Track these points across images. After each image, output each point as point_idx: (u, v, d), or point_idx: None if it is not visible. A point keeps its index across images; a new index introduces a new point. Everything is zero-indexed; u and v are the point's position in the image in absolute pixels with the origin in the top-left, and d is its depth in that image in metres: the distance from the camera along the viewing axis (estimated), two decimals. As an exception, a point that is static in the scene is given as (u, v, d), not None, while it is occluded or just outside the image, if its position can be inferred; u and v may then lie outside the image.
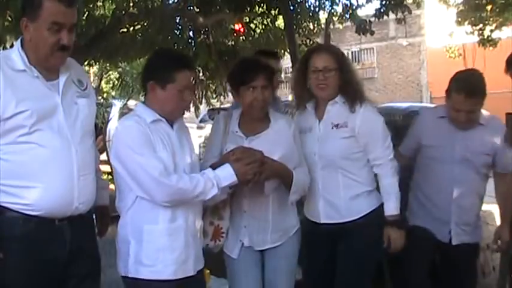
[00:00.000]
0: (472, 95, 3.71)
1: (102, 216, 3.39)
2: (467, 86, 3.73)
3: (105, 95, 25.80)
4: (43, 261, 2.86)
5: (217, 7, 10.88)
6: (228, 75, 3.82)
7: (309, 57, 3.80)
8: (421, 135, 4.04)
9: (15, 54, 2.85)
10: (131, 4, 11.51)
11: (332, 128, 3.67)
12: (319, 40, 12.72)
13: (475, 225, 4.00)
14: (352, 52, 28.74)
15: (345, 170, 3.66)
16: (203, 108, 17.20)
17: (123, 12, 11.28)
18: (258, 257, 3.61)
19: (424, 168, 4.01)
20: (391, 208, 3.64)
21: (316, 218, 3.71)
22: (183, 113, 3.31)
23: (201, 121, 18.35)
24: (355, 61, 29.36)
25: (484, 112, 3.91)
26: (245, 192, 3.50)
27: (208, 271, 4.49)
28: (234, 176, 3.13)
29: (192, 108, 15.63)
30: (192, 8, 11.14)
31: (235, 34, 13.18)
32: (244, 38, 13.42)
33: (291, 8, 10.86)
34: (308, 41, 12.22)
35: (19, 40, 2.90)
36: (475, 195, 3.95)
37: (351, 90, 3.70)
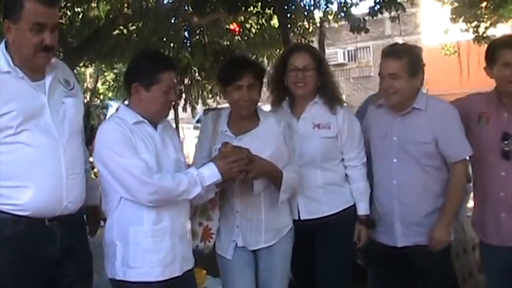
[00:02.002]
0: (388, 55, 3.60)
1: (93, 216, 3.38)
2: (388, 48, 3.70)
3: (101, 96, 25.87)
4: (34, 261, 2.84)
5: (212, 7, 10.89)
6: (217, 74, 3.81)
7: (288, 56, 3.81)
8: (366, 132, 3.85)
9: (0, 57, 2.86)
10: (125, 5, 11.54)
11: (313, 127, 3.70)
12: (315, 39, 12.73)
13: (431, 226, 3.62)
14: (348, 51, 28.78)
15: (324, 167, 3.69)
16: (200, 109, 17.24)
17: (118, 13, 11.30)
18: (251, 257, 3.60)
19: (372, 167, 3.82)
20: (363, 208, 3.73)
21: (295, 215, 3.71)
22: (167, 114, 3.31)
23: (197, 121, 18.33)
24: (351, 60, 29.47)
25: (424, 95, 3.73)
26: (237, 193, 3.49)
27: (204, 271, 4.50)
28: (218, 174, 3.11)
29: (189, 109, 15.67)
30: (186, 8, 11.15)
31: (230, 34, 13.21)
32: (239, 37, 13.45)
33: (286, 7, 10.87)
34: (303, 40, 12.25)
35: (3, 42, 2.89)
36: (423, 191, 3.61)
37: (329, 91, 3.75)
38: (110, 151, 2.99)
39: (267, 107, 3.89)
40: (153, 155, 3.04)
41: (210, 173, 3.10)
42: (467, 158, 3.61)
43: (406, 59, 3.55)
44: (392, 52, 3.62)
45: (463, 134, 3.54)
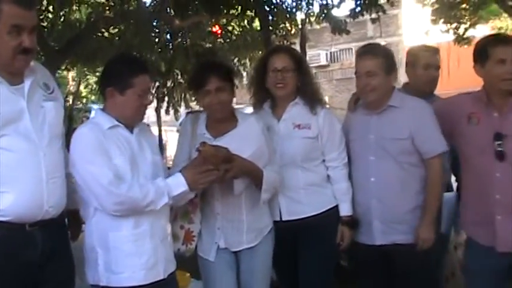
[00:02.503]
0: (364, 54, 3.67)
1: (74, 220, 3.36)
2: (362, 48, 3.76)
3: (84, 99, 25.75)
4: (15, 265, 2.81)
5: (194, 10, 10.89)
6: (187, 80, 3.82)
7: (268, 57, 3.83)
8: (346, 131, 3.85)
9: None
10: (107, 8, 11.51)
11: (294, 128, 3.72)
12: (297, 41, 12.77)
13: (411, 224, 3.63)
14: (331, 52, 28.88)
15: (305, 168, 3.71)
16: (182, 111, 17.21)
17: (99, 16, 11.26)
18: (233, 259, 3.60)
19: (351, 168, 3.80)
20: (346, 209, 3.74)
21: (277, 216, 3.72)
22: (143, 118, 3.30)
23: (180, 124, 18.24)
24: (334, 61, 29.54)
25: (399, 94, 3.75)
26: (217, 195, 3.49)
27: (188, 274, 4.49)
28: (185, 185, 3.11)
29: (172, 112, 15.65)
30: (168, 11, 11.13)
31: (212, 36, 13.21)
32: (221, 40, 13.46)
33: (267, 9, 10.90)
34: (285, 42, 12.28)
35: None
36: (401, 188, 3.61)
37: (309, 92, 3.78)
38: (81, 157, 2.99)
39: (250, 109, 3.91)
40: (127, 160, 3.03)
41: (177, 184, 3.10)
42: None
43: (381, 57, 3.62)
44: (367, 51, 3.69)
45: (438, 130, 3.57)
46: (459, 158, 3.64)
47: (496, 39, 3.48)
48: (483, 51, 3.43)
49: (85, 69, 18.48)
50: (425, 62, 4.28)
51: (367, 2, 9.99)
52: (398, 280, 3.75)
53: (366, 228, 3.71)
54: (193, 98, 15.06)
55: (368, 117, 3.70)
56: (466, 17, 12.57)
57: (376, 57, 3.62)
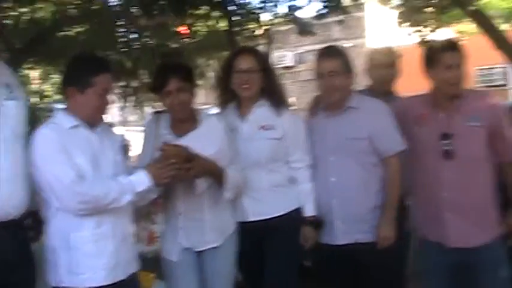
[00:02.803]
0: (325, 55, 3.75)
1: (36, 221, 3.34)
2: (322, 50, 3.82)
3: (48, 99, 25.40)
4: None
5: (160, 9, 10.83)
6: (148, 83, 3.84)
7: (233, 58, 3.85)
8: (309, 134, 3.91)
9: None
10: (71, 6, 11.39)
11: (259, 129, 3.74)
12: (263, 42, 12.80)
13: (371, 223, 3.70)
14: (297, 54, 28.96)
15: (269, 169, 3.73)
16: (148, 111, 17.11)
17: (63, 14, 11.15)
18: (196, 259, 3.61)
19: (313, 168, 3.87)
20: (310, 209, 3.77)
21: (242, 217, 3.74)
22: (103, 117, 3.29)
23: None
24: (301, 62, 29.63)
25: (358, 95, 3.84)
26: (179, 195, 3.51)
27: (152, 274, 4.48)
28: (149, 180, 3.12)
29: (137, 111, 15.56)
30: (134, 10, 11.06)
31: (178, 36, 13.16)
32: (188, 40, 13.42)
33: (233, 10, 10.91)
34: (251, 43, 12.29)
35: None
36: (361, 187, 3.69)
37: (274, 93, 3.80)
38: (42, 158, 2.96)
39: (216, 110, 3.92)
40: (88, 159, 3.02)
41: (141, 180, 3.10)
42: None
43: (341, 58, 3.72)
44: (328, 52, 3.77)
45: (395, 129, 3.67)
46: (409, 158, 3.73)
47: (444, 46, 3.59)
48: (432, 58, 3.58)
49: (49, 68, 18.24)
50: (378, 63, 4.42)
51: (332, 4, 10.08)
52: (362, 279, 3.80)
53: (328, 228, 3.75)
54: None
55: (327, 119, 3.77)
56: (430, 21, 12.73)
57: (336, 57, 3.71)
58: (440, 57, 3.53)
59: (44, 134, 3.03)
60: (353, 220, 3.70)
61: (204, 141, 3.41)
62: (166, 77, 3.42)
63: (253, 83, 3.72)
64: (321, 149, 3.76)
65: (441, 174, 3.55)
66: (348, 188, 3.68)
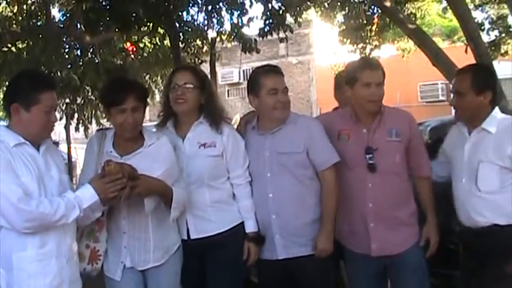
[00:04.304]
0: (273, 72, 3.83)
1: None
2: (268, 68, 3.92)
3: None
4: None
5: (105, 26, 10.77)
6: (98, 95, 3.82)
7: (172, 75, 3.91)
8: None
9: None
10: (14, 22, 11.23)
11: (199, 147, 3.77)
12: (208, 59, 12.85)
13: (310, 236, 3.76)
14: (243, 70, 29.09)
15: (211, 185, 3.77)
16: (93, 128, 16.91)
17: (5, 29, 10.97)
18: (140, 278, 3.59)
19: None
20: (252, 225, 3.82)
21: (185, 235, 3.76)
22: (49, 135, 3.27)
23: (90, 141, 17.82)
24: (246, 79, 29.70)
25: (296, 113, 3.91)
26: (123, 213, 3.50)
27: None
28: (96, 195, 3.11)
29: (82, 129, 15.36)
30: (78, 27, 10.97)
31: (123, 53, 13.10)
32: (133, 56, 13.37)
33: (178, 26, 10.95)
34: (196, 59, 12.35)
35: None
36: (298, 201, 3.75)
37: (213, 110, 3.84)
38: None
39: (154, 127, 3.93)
40: (34, 178, 2.99)
41: (87, 195, 3.09)
42: None
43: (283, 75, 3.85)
44: (275, 69, 3.87)
45: (329, 143, 3.77)
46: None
47: (363, 65, 3.78)
48: (352, 75, 3.75)
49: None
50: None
51: (275, 21, 10.22)
52: None
53: (268, 244, 3.81)
54: (103, 115, 14.95)
55: (262, 137, 3.83)
56: (371, 38, 13.01)
57: (282, 74, 3.86)
58: (359, 75, 3.70)
59: None
60: (291, 234, 3.76)
61: (152, 161, 3.43)
62: (124, 94, 3.41)
63: (188, 98, 3.75)
64: (257, 165, 3.82)
65: (366, 186, 3.71)
66: (285, 203, 3.74)
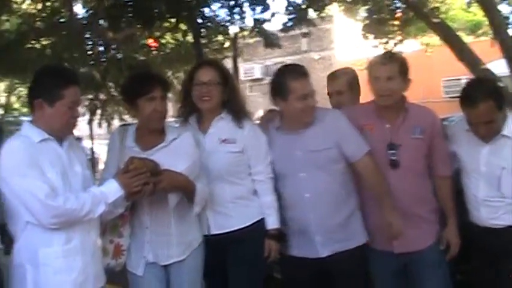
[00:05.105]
0: (301, 75, 3.73)
1: (4, 235, 3.30)
2: (293, 69, 3.81)
3: (14, 112, 25.11)
4: None
5: (127, 22, 10.84)
6: (121, 89, 3.78)
7: (194, 71, 3.86)
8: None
9: None
10: (38, 19, 11.32)
11: (220, 142, 3.75)
12: (230, 54, 12.86)
13: (347, 231, 3.75)
14: (265, 66, 29.08)
15: (231, 181, 3.74)
16: (116, 124, 17.03)
17: (29, 27, 11.08)
18: (162, 273, 3.59)
19: (279, 187, 3.85)
20: (273, 222, 3.77)
21: (206, 230, 3.73)
22: (73, 130, 3.27)
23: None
24: (269, 75, 29.64)
25: (320, 107, 3.80)
26: (146, 208, 3.49)
27: (118, 289, 4.45)
28: (120, 190, 3.09)
29: (105, 125, 15.49)
30: (101, 23, 11.04)
31: (146, 49, 13.16)
32: (155, 52, 13.42)
33: (200, 22, 10.96)
34: (218, 55, 12.36)
35: None
36: (335, 198, 3.71)
37: (235, 106, 3.81)
38: (13, 172, 2.91)
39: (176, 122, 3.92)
40: (59, 173, 2.98)
41: (112, 189, 3.08)
42: None
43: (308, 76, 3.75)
44: (303, 72, 3.74)
45: (358, 134, 3.71)
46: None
47: (375, 59, 3.76)
48: (368, 70, 3.74)
49: (15, 80, 18.07)
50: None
51: (298, 16, 10.19)
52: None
53: (306, 242, 3.76)
54: (126, 111, 15.03)
55: (291, 137, 3.76)
56: (395, 33, 12.92)
57: (308, 76, 3.74)
58: (370, 70, 3.70)
59: (14, 146, 2.98)
60: (330, 232, 3.73)
61: (174, 157, 3.41)
62: (152, 82, 3.42)
63: (213, 95, 3.73)
64: (288, 165, 3.76)
65: (389, 182, 3.66)
66: (323, 201, 3.70)
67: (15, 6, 11.87)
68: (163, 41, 13.13)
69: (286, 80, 3.67)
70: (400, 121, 3.69)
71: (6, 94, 24.13)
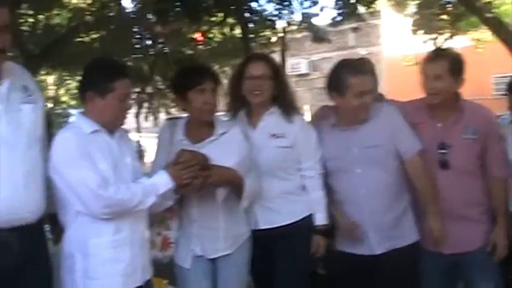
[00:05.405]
0: (361, 73, 3.65)
1: (54, 224, 3.33)
2: (352, 66, 3.70)
3: (63, 104, 25.56)
4: None
5: (175, 16, 10.89)
6: (172, 81, 3.77)
7: (245, 65, 3.81)
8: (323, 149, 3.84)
9: None
10: (87, 13, 11.48)
11: (269, 137, 3.70)
12: (277, 49, 12.84)
13: (400, 228, 3.76)
14: (311, 61, 29.02)
15: (280, 176, 3.70)
16: (162, 117, 17.17)
17: (79, 20, 11.24)
18: (209, 267, 3.58)
19: (332, 185, 3.81)
20: (322, 218, 3.72)
21: (253, 225, 3.72)
22: (123, 123, 3.27)
23: (160, 130, 18.15)
24: (315, 70, 29.63)
25: (376, 104, 3.73)
26: (194, 202, 3.46)
27: (165, 281, 4.46)
28: (170, 182, 3.08)
29: (151, 118, 15.64)
30: (149, 17, 11.13)
31: (193, 43, 13.23)
32: (202, 46, 13.48)
33: (248, 16, 10.95)
34: (266, 49, 12.33)
35: None
36: (390, 194, 3.67)
37: (285, 100, 3.76)
38: (65, 162, 2.93)
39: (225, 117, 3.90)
40: (110, 165, 2.99)
41: (163, 181, 3.08)
42: None
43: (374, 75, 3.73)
44: (363, 68, 3.68)
45: (411, 131, 3.65)
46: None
47: (428, 57, 3.64)
48: (420, 67, 3.65)
49: (65, 74, 18.37)
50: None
51: (347, 11, 10.10)
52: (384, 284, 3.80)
53: (360, 239, 3.71)
54: (173, 105, 15.16)
55: (347, 133, 3.69)
56: (446, 28, 12.71)
57: (368, 73, 3.67)
58: (421, 68, 3.61)
59: (66, 138, 3.00)
60: (384, 229, 3.68)
61: (224, 151, 3.38)
62: (203, 74, 3.43)
63: (264, 89, 3.69)
64: (343, 162, 3.70)
65: (438, 183, 3.59)
66: (378, 198, 3.65)
67: (65, 0, 12.08)
68: (210, 35, 13.17)
69: (345, 76, 3.60)
70: (452, 120, 3.59)
71: (55, 87, 24.55)
